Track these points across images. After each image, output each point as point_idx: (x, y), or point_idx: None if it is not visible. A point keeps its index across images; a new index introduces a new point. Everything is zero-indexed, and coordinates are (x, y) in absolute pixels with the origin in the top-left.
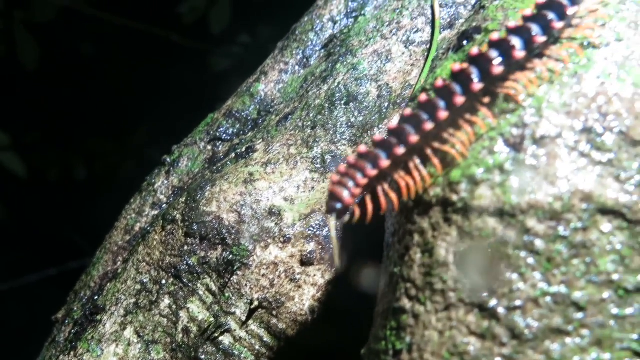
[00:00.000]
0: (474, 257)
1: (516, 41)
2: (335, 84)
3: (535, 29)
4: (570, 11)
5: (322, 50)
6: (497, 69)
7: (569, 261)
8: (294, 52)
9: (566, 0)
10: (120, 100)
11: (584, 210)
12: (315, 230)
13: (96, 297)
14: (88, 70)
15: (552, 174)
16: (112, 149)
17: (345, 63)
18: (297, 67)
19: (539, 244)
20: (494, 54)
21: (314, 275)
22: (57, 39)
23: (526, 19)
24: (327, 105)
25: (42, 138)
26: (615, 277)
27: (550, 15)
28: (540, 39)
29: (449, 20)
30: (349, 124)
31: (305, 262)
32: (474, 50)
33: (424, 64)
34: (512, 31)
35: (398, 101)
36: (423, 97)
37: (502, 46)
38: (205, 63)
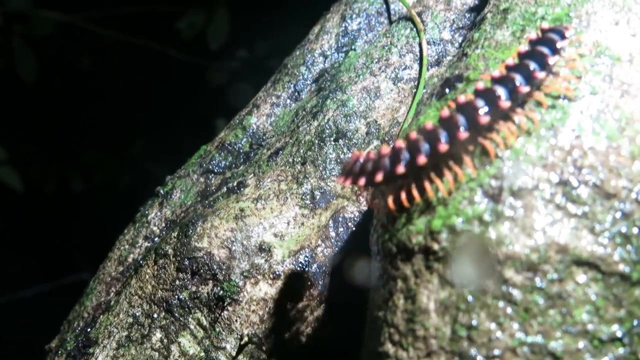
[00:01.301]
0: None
1: (501, 91)
2: (325, 120)
3: (518, 78)
4: (551, 60)
5: (313, 85)
6: (484, 118)
7: (545, 311)
8: (286, 86)
9: (547, 49)
10: (117, 113)
11: (560, 261)
12: (304, 267)
13: (89, 329)
14: (86, 84)
15: (529, 226)
16: (109, 161)
17: (335, 99)
18: (288, 101)
19: (516, 294)
20: (480, 102)
21: (303, 312)
22: (56, 53)
23: (509, 68)
24: (317, 141)
25: (39, 150)
26: (590, 327)
27: (533, 65)
28: (524, 88)
29: (436, 57)
30: (338, 160)
31: (295, 298)
32: (461, 98)
33: (412, 102)
34: (496, 81)
35: (386, 138)
36: (413, 134)
37: (488, 96)
38: (202, 77)
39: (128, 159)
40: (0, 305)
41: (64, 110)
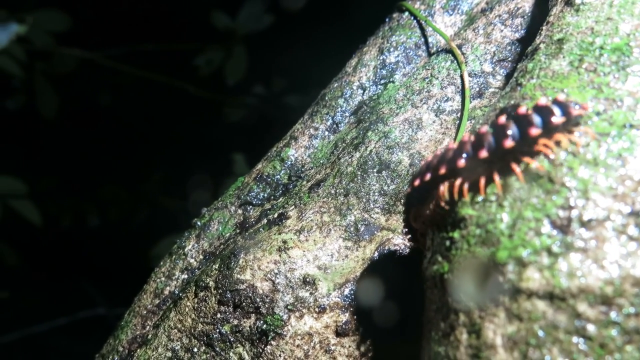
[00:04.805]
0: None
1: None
2: (367, 152)
3: (536, 120)
4: (533, 131)
5: (352, 117)
6: (509, 142)
7: (622, 347)
8: (324, 118)
9: (540, 119)
10: (135, 148)
11: (636, 295)
12: (350, 301)
13: None
14: (104, 119)
15: (601, 258)
16: (125, 196)
17: (376, 131)
18: (327, 133)
19: (590, 329)
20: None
21: (349, 347)
22: (76, 88)
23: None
24: (359, 173)
25: (57, 185)
26: None
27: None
28: (535, 131)
29: (477, 89)
30: (382, 192)
31: (340, 333)
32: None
33: (456, 133)
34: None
35: None
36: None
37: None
38: (219, 113)
39: (144, 194)
40: (14, 340)
41: (82, 145)
